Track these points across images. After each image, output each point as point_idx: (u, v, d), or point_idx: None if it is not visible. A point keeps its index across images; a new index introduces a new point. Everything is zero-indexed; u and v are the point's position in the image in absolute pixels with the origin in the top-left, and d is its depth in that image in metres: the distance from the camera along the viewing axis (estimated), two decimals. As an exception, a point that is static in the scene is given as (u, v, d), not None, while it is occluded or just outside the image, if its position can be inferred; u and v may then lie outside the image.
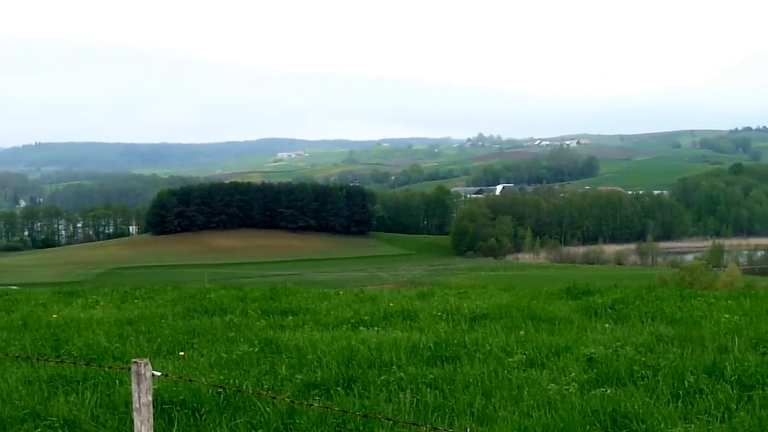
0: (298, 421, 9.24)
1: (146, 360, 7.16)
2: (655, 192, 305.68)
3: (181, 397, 9.94)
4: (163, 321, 16.07)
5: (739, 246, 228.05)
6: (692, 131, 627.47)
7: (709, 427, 8.88)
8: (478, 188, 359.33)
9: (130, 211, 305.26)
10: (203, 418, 9.60)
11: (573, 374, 11.03)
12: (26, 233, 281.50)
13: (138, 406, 7.13)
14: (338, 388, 10.61)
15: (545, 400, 9.80)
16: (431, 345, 12.86)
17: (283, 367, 11.69)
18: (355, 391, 10.51)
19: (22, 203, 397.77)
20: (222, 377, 11.12)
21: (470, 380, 10.78)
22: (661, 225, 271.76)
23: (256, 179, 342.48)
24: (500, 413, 9.49)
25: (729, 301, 17.95)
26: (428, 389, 10.40)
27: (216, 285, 26.55)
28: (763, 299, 18.37)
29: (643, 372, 10.94)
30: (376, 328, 14.92)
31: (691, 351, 12.35)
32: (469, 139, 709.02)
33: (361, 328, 15.07)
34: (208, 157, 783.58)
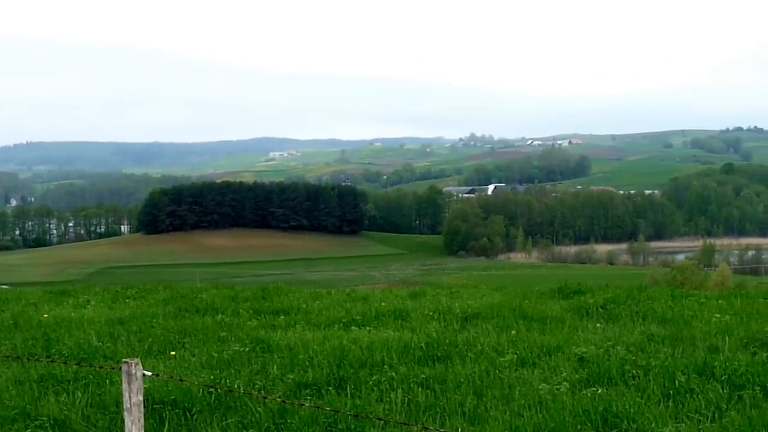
0: (289, 421, 9.23)
1: (137, 360, 7.15)
2: (647, 192, 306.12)
3: (172, 397, 9.92)
4: (154, 320, 16.05)
5: (730, 246, 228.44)
6: (683, 131, 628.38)
7: (700, 426, 8.89)
8: (470, 188, 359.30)
9: (121, 211, 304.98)
10: (194, 417, 9.59)
11: (564, 374, 11.04)
12: (17, 232, 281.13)
13: (129, 405, 7.12)
14: (329, 388, 10.60)
15: (536, 400, 9.80)
16: (423, 345, 12.86)
17: (275, 366, 11.68)
18: (347, 391, 10.50)
19: (14, 202, 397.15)
20: (213, 377, 11.11)
21: (462, 380, 10.79)
22: (653, 225, 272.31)
23: (248, 179, 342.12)
24: (491, 413, 9.49)
25: (720, 301, 17.98)
26: (420, 389, 10.41)
27: (208, 284, 26.56)
28: (753, 299, 18.42)
29: (634, 371, 10.95)
30: (367, 328, 14.92)
31: (682, 350, 12.38)
32: (461, 139, 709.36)
33: (353, 327, 15.07)
34: (200, 156, 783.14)
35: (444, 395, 10.18)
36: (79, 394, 10.39)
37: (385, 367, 11.53)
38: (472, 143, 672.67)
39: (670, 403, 9.68)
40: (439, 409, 9.71)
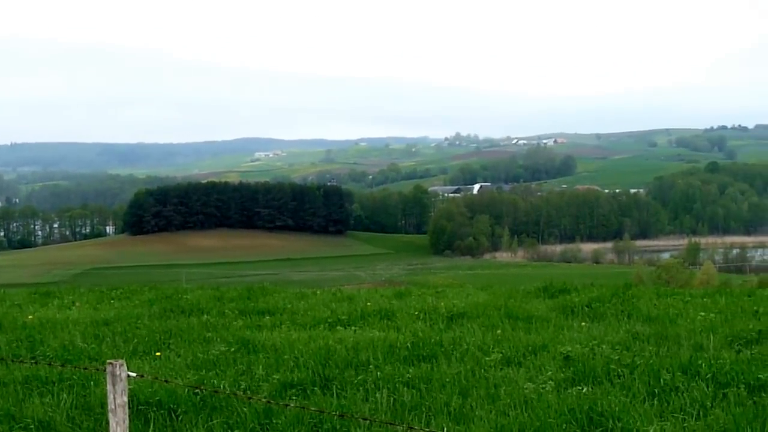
0: (274, 421, 9.23)
1: (122, 361, 7.13)
2: (632, 191, 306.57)
3: (158, 398, 9.91)
4: (139, 321, 16.03)
5: (715, 244, 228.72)
6: (668, 130, 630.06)
7: (685, 424, 8.91)
8: (456, 187, 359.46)
9: (107, 212, 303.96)
10: (179, 418, 9.58)
11: (550, 373, 11.06)
12: (2, 234, 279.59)
13: (113, 407, 7.10)
14: (315, 388, 10.61)
15: (522, 399, 9.82)
16: (408, 344, 12.88)
17: (260, 367, 11.68)
18: (332, 391, 10.51)
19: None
20: (198, 377, 11.10)
21: (447, 379, 10.80)
22: (638, 223, 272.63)
23: (233, 179, 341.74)
24: (477, 412, 9.50)
25: (705, 299, 18.05)
26: (405, 389, 10.41)
27: (193, 285, 26.51)
28: (738, 297, 18.50)
29: (620, 370, 10.98)
30: (353, 328, 14.94)
31: (667, 349, 12.42)
32: (446, 139, 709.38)
33: (339, 327, 15.09)
34: (186, 157, 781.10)
35: (429, 395, 10.19)
36: (64, 396, 10.38)
37: (371, 366, 11.54)
38: (457, 143, 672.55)
39: (655, 402, 9.70)
40: (424, 409, 9.72)
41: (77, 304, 19.70)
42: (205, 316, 16.52)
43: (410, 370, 11.27)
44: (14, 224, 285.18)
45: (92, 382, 10.86)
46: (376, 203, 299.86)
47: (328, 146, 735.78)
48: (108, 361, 7.17)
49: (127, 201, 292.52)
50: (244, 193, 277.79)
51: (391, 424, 8.73)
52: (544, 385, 10.34)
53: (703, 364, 10.88)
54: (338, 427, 8.96)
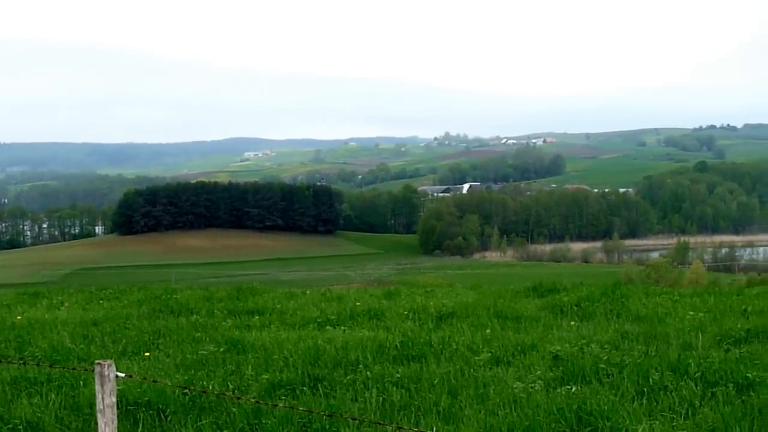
0: (263, 421, 9.22)
1: (110, 361, 7.12)
2: (621, 190, 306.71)
3: (146, 398, 9.89)
4: (128, 322, 16.01)
5: (704, 243, 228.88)
6: (657, 129, 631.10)
7: (674, 423, 8.92)
8: (445, 187, 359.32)
9: (96, 212, 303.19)
10: (168, 419, 9.56)
11: (539, 372, 11.07)
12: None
13: (102, 407, 7.09)
14: (304, 388, 10.59)
15: (511, 399, 9.82)
16: (398, 344, 12.88)
17: (249, 367, 11.67)
18: (321, 391, 10.50)
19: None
20: (187, 378, 11.08)
21: (436, 379, 10.80)
22: (627, 223, 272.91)
23: (222, 179, 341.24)
24: (466, 412, 9.50)
25: (693, 298, 18.10)
26: (394, 388, 10.40)
27: (182, 285, 26.49)
28: (727, 296, 18.55)
29: (609, 369, 10.99)
30: (342, 328, 14.95)
31: (656, 348, 12.44)
32: (435, 138, 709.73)
33: (328, 327, 15.09)
34: (175, 157, 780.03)
35: (419, 394, 10.19)
36: (53, 396, 10.35)
37: (360, 366, 11.54)
38: (446, 142, 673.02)
39: (644, 401, 9.72)
40: (413, 409, 9.72)
41: (66, 304, 19.67)
42: (195, 316, 16.51)
43: (399, 370, 11.26)
44: (3, 224, 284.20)
45: (81, 383, 10.83)
46: (365, 203, 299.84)
47: (318, 146, 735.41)
48: (96, 361, 7.15)
49: (116, 201, 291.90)
50: (234, 193, 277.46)
51: (380, 423, 8.73)
52: (533, 385, 10.35)
53: (692, 363, 10.90)
54: (327, 427, 8.95)
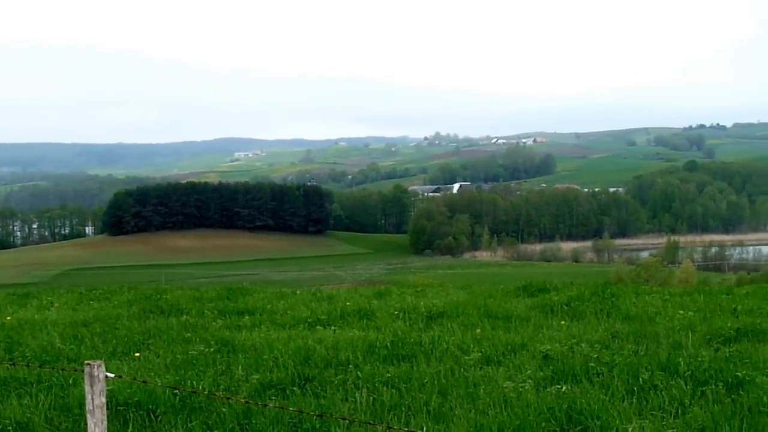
0: (254, 422, 9.21)
1: (100, 362, 7.10)
2: (611, 189, 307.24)
3: (136, 399, 9.87)
4: (118, 322, 15.98)
5: (694, 242, 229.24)
6: (647, 129, 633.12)
7: (663, 422, 8.94)
8: (436, 187, 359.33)
9: (86, 212, 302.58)
10: (158, 419, 9.55)
11: (529, 372, 11.08)
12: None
13: (91, 408, 7.07)
14: (294, 388, 10.58)
15: (501, 398, 9.82)
16: (388, 344, 12.87)
17: (240, 367, 11.65)
18: (311, 391, 10.49)
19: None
20: (178, 378, 11.07)
21: (426, 379, 10.79)
22: (617, 222, 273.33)
23: (213, 179, 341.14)
24: (456, 411, 9.50)
25: (683, 298, 18.13)
26: (385, 388, 10.40)
27: (173, 285, 26.45)
28: (716, 295, 18.59)
29: (599, 369, 11.00)
30: (332, 328, 14.94)
31: (646, 347, 12.46)
32: (426, 138, 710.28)
33: (318, 327, 15.08)
34: (165, 157, 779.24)
35: (409, 394, 10.19)
36: (42, 397, 10.33)
37: (350, 366, 11.53)
38: (437, 142, 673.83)
39: (634, 400, 9.73)
40: (404, 408, 9.71)
41: (56, 304, 19.63)
42: (185, 316, 16.48)
43: (390, 370, 11.26)
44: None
45: (71, 383, 10.82)
46: (355, 203, 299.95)
47: (308, 146, 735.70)
48: (86, 362, 7.14)
49: (106, 201, 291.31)
50: (224, 193, 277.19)
51: (370, 423, 8.73)
52: (523, 384, 10.35)
53: (682, 362, 10.92)
54: (317, 427, 8.94)
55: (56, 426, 9.45)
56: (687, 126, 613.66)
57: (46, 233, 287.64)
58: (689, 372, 10.57)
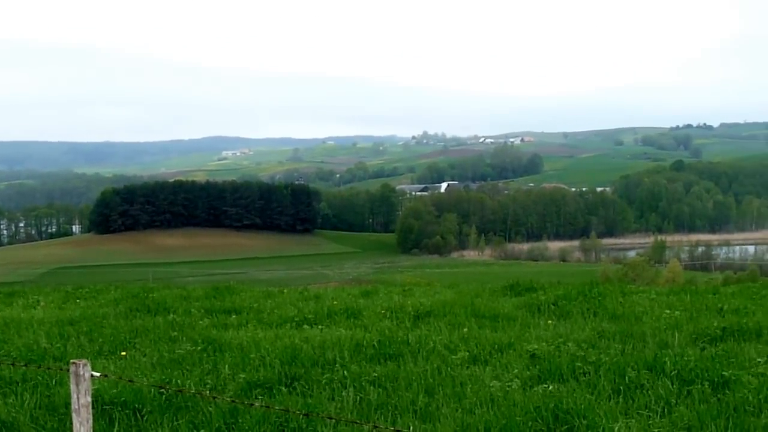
0: (240, 421, 9.19)
1: (85, 361, 7.08)
2: (598, 189, 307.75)
3: (122, 398, 9.85)
4: (105, 321, 15.95)
5: (681, 242, 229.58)
6: (634, 129, 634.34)
7: (650, 421, 8.94)
8: (423, 186, 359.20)
9: (73, 211, 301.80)
10: (144, 418, 9.53)
11: (516, 371, 11.08)
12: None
13: (77, 407, 7.06)
14: (281, 387, 10.57)
15: (488, 397, 9.82)
16: (375, 343, 12.87)
17: (226, 366, 11.64)
18: (298, 390, 10.48)
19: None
20: (164, 377, 11.05)
21: (413, 378, 10.79)
22: (604, 222, 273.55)
23: (200, 178, 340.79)
24: (443, 410, 9.50)
25: (670, 297, 18.15)
26: (371, 387, 10.40)
27: (160, 284, 26.42)
28: (703, 295, 18.62)
29: (585, 368, 11.01)
30: (319, 327, 14.93)
31: (633, 346, 12.48)
32: (413, 137, 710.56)
33: (305, 326, 15.07)
34: (153, 155, 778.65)
35: (396, 393, 10.19)
36: (28, 396, 10.30)
37: (337, 365, 11.52)
38: (424, 141, 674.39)
39: (621, 399, 9.74)
40: (390, 408, 9.71)
41: (42, 303, 19.59)
42: (172, 315, 16.46)
43: (377, 369, 11.26)
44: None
45: (56, 382, 10.79)
46: (343, 202, 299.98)
47: (296, 145, 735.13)
48: (72, 360, 7.12)
49: (93, 200, 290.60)
50: (212, 192, 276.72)
51: (357, 422, 8.72)
52: (510, 384, 10.35)
53: (668, 362, 10.93)
54: (304, 426, 8.93)
55: (42, 425, 9.41)
56: (674, 126, 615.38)
57: (33, 232, 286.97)
58: (675, 371, 10.58)
